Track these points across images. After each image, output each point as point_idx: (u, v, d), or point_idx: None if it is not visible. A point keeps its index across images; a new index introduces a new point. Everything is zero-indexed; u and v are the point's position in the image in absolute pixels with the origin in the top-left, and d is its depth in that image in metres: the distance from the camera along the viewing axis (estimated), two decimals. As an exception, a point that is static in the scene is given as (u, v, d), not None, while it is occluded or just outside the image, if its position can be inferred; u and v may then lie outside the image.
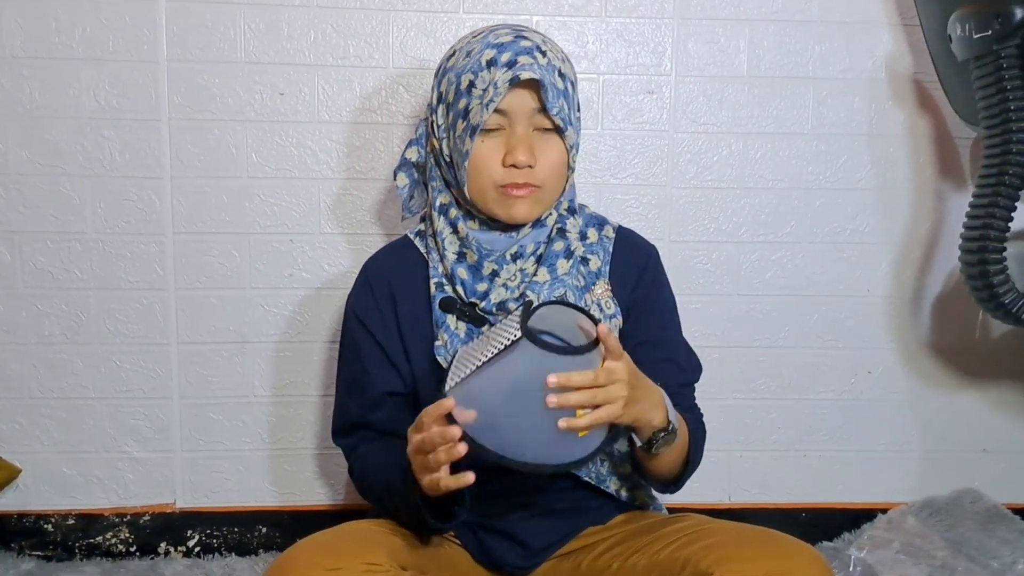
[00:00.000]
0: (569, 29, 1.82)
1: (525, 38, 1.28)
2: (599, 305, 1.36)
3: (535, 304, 1.12)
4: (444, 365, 1.30)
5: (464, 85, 1.28)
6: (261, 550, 1.89)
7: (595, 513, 1.39)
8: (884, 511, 1.95)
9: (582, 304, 1.34)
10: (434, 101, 1.35)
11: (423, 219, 1.44)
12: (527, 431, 1.08)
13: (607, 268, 1.39)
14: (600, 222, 1.43)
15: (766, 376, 1.94)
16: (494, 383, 1.08)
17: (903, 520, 1.90)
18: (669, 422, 1.21)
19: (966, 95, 1.69)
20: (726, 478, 1.96)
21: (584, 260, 1.37)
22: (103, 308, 1.81)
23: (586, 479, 1.36)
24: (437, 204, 1.36)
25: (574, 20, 1.82)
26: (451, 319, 1.33)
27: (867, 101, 1.88)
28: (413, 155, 1.41)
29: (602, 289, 1.37)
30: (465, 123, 1.28)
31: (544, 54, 1.27)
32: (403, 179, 1.43)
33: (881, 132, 1.89)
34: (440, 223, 1.35)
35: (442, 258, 1.35)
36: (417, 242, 1.42)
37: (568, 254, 1.35)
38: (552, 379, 1.04)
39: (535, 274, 1.33)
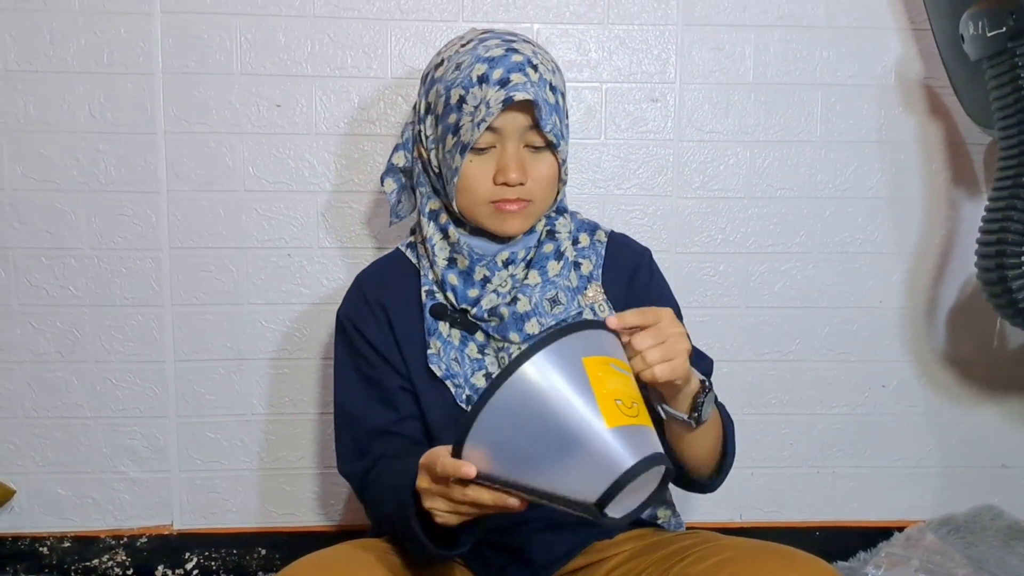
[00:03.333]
0: (571, 37, 1.79)
1: (516, 51, 1.24)
2: (592, 309, 1.33)
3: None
4: (439, 373, 1.27)
5: (454, 100, 1.24)
6: (260, 572, 1.85)
7: (601, 527, 1.35)
8: (901, 529, 1.90)
9: (575, 307, 1.31)
10: (422, 110, 1.32)
11: (412, 231, 1.41)
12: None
13: (599, 272, 1.37)
14: (592, 227, 1.41)
15: (777, 391, 1.90)
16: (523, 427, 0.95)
17: (922, 537, 1.85)
18: (702, 380, 1.16)
19: (979, 96, 1.65)
20: (737, 496, 1.91)
21: (576, 264, 1.34)
22: (98, 325, 1.78)
23: None
24: (426, 210, 1.33)
25: (576, 28, 1.79)
26: (443, 326, 1.30)
27: (877, 107, 1.85)
28: (400, 160, 1.39)
29: (594, 292, 1.35)
30: (455, 139, 1.25)
31: (535, 68, 1.24)
32: (391, 184, 1.41)
33: (891, 139, 1.85)
34: (430, 229, 1.33)
35: (432, 264, 1.32)
36: (408, 253, 1.39)
37: (558, 255, 1.32)
38: (613, 321, 1.00)
39: (525, 278, 1.31)
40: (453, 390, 1.28)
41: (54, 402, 1.80)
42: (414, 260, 1.37)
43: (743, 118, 1.83)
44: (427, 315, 1.30)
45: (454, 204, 1.29)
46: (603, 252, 1.38)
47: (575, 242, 1.37)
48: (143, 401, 1.81)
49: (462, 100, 1.23)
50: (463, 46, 1.27)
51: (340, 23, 1.75)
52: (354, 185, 1.78)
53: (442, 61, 1.29)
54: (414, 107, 1.34)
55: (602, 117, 1.81)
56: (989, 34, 1.55)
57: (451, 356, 1.29)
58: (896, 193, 1.87)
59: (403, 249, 1.40)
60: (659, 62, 1.81)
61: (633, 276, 1.39)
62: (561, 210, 1.36)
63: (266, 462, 1.84)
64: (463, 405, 1.28)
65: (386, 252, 1.72)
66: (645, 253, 1.43)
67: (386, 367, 1.33)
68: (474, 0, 1.77)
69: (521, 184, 1.25)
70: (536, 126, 1.24)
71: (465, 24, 1.77)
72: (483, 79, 1.22)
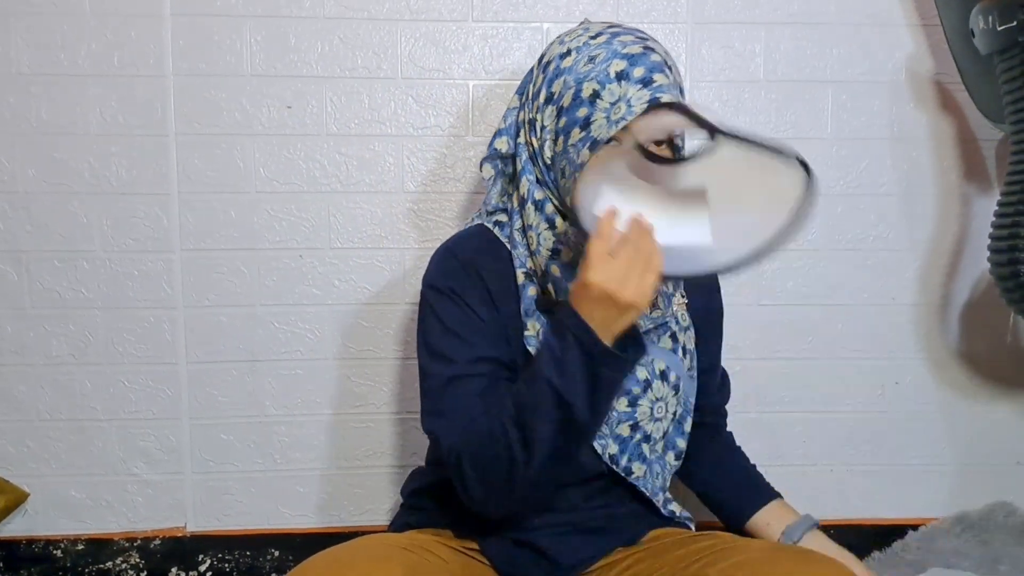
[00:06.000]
0: (580, 36, 1.79)
1: (653, 50, 1.21)
2: (676, 318, 1.36)
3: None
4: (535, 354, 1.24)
5: (586, 93, 1.20)
6: (274, 574, 1.85)
7: (628, 533, 1.36)
8: (915, 527, 1.89)
9: (671, 312, 1.36)
10: (541, 99, 1.27)
11: (494, 210, 1.37)
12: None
13: (682, 282, 1.40)
14: None
15: (790, 388, 1.89)
16: None
17: (935, 536, 1.84)
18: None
19: (990, 91, 1.65)
20: (751, 494, 1.90)
21: None
22: (111, 327, 1.79)
23: (642, 489, 1.35)
24: (533, 198, 1.29)
25: (585, 27, 1.79)
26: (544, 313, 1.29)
27: (888, 104, 1.84)
28: (503, 146, 1.33)
29: (678, 301, 1.38)
30: (584, 133, 1.21)
31: (671, 69, 1.22)
32: (489, 170, 1.36)
33: (903, 135, 1.85)
34: (535, 218, 1.29)
35: (533, 253, 1.29)
36: (496, 231, 1.35)
37: None
38: None
39: None
40: None
41: (67, 404, 1.80)
42: (503, 239, 1.33)
43: (754, 116, 1.83)
44: (525, 296, 1.28)
45: (568, 198, 1.25)
46: None
47: None
48: (156, 403, 1.81)
49: (596, 95, 1.20)
50: (593, 38, 1.23)
51: (350, 24, 1.76)
52: (365, 186, 1.78)
53: (569, 51, 1.24)
54: (523, 93, 1.31)
55: (612, 116, 1.81)
56: (999, 29, 1.55)
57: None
58: (908, 189, 1.86)
59: (489, 226, 1.36)
60: (669, 60, 1.81)
61: (710, 299, 1.46)
62: None
63: (279, 464, 1.84)
64: None
65: (402, 252, 1.74)
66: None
67: (485, 335, 1.28)
68: (483, 0, 1.77)
69: None
70: None
71: (475, 24, 1.77)
72: (622, 75, 1.19)
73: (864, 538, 1.90)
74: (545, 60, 1.28)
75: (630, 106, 1.17)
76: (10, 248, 1.76)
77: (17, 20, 1.71)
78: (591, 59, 1.21)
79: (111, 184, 1.76)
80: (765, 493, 1.50)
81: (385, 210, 1.79)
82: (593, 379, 1.12)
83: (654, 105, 1.17)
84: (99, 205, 1.76)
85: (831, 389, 1.90)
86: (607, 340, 1.11)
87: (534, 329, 1.27)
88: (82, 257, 1.77)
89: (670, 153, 1.24)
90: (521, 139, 1.30)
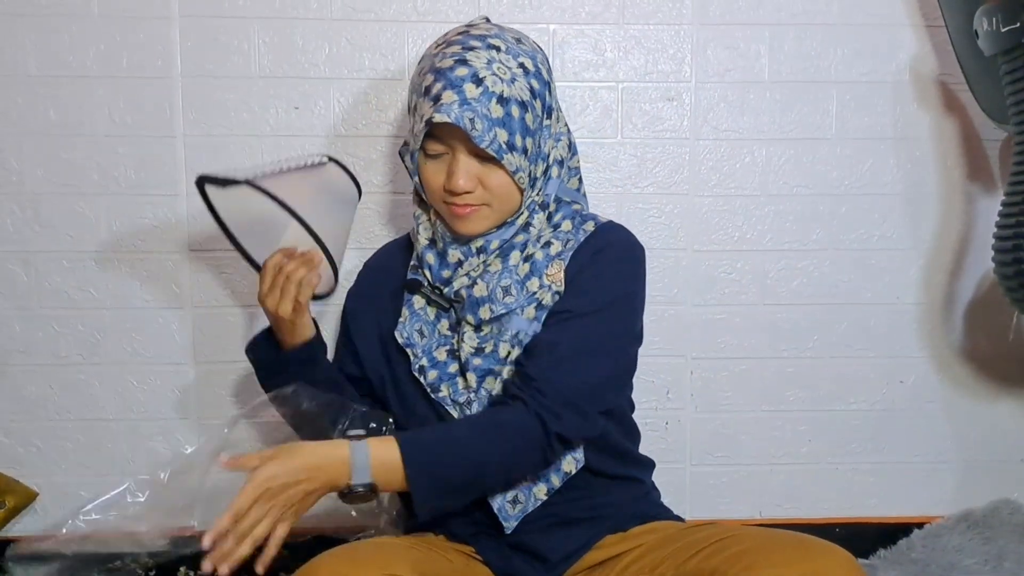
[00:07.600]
0: (587, 37, 1.80)
1: (465, 63, 1.23)
2: (551, 287, 1.32)
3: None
4: (400, 340, 1.36)
5: (411, 104, 1.31)
6: (282, 573, 1.85)
7: (612, 521, 1.38)
8: (920, 525, 1.90)
9: (523, 298, 1.32)
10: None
11: None
12: None
13: (569, 254, 1.35)
14: (585, 218, 1.39)
15: (795, 387, 1.90)
16: None
17: (940, 534, 1.85)
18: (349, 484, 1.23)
19: (994, 92, 1.66)
20: (757, 493, 1.91)
21: (548, 244, 1.35)
22: (120, 328, 1.79)
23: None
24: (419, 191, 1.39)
25: (591, 28, 1.80)
26: (417, 299, 1.38)
27: (891, 104, 1.85)
28: None
29: (555, 270, 1.34)
30: (414, 140, 1.30)
31: (480, 82, 1.22)
32: None
33: (907, 135, 1.86)
34: (418, 209, 1.40)
35: (415, 242, 1.40)
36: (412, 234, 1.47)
37: (523, 247, 1.35)
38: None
39: (490, 264, 1.35)
40: (412, 358, 1.35)
41: (76, 404, 1.81)
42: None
43: (758, 116, 1.84)
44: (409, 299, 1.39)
45: (424, 195, 1.35)
46: (583, 239, 1.36)
47: (557, 227, 1.38)
48: (164, 403, 1.82)
49: (415, 107, 1.29)
50: (437, 47, 1.31)
51: (357, 25, 1.76)
52: (373, 186, 1.79)
53: (422, 58, 1.33)
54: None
55: (619, 116, 1.82)
56: (1003, 30, 1.56)
57: (415, 327, 1.36)
58: (912, 189, 1.87)
59: (411, 232, 1.48)
60: (675, 61, 1.82)
61: (591, 258, 1.35)
62: (546, 205, 1.36)
63: (287, 463, 1.84)
64: (415, 374, 1.35)
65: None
66: (621, 243, 1.38)
67: (345, 348, 1.51)
68: (490, 2, 1.78)
69: (469, 192, 1.27)
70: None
71: (481, 25, 1.78)
72: (426, 91, 1.26)
73: (869, 536, 1.91)
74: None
75: (423, 122, 1.29)
76: (18, 248, 1.77)
77: (25, 22, 1.72)
78: (420, 71, 1.32)
79: (119, 185, 1.76)
80: None
81: (393, 210, 1.80)
82: None
83: (430, 125, 1.27)
84: (107, 206, 1.77)
85: (836, 388, 1.91)
86: None
87: (405, 316, 1.38)
88: (90, 257, 1.78)
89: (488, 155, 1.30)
90: None
